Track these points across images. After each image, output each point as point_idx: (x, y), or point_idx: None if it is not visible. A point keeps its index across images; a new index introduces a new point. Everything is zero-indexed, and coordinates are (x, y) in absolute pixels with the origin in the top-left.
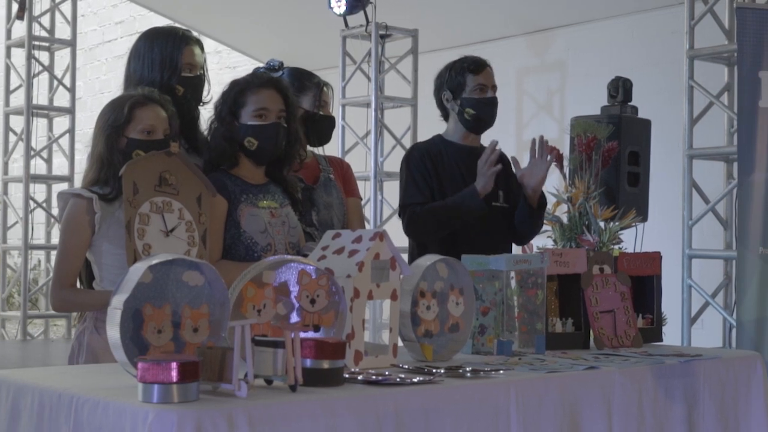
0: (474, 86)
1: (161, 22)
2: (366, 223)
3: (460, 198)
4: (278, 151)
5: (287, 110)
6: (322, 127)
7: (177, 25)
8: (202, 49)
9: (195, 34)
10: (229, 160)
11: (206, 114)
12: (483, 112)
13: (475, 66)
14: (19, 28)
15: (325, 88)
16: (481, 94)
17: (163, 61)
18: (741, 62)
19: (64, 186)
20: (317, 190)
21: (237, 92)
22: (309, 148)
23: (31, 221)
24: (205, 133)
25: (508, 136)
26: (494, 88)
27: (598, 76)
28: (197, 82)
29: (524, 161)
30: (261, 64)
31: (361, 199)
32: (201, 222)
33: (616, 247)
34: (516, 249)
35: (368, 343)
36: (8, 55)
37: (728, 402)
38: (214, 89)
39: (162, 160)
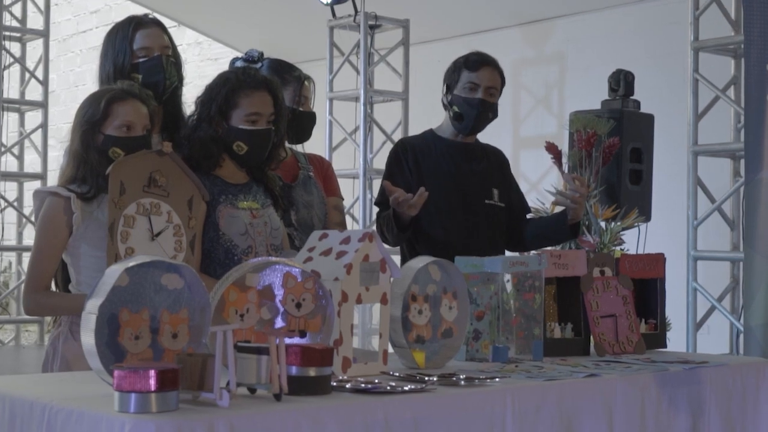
0: (465, 83)
1: (138, 10)
2: (354, 224)
3: (390, 217)
4: (265, 156)
5: (276, 113)
6: (301, 124)
7: (147, 13)
8: (162, 29)
9: (152, 14)
10: (211, 161)
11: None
12: (466, 112)
13: (472, 63)
14: None
15: (306, 82)
16: (470, 93)
17: (115, 53)
18: (748, 54)
19: (36, 184)
20: (296, 188)
21: (228, 91)
22: (287, 144)
23: (2, 221)
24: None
25: (505, 131)
26: (489, 90)
27: (599, 69)
28: (155, 65)
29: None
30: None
31: (343, 199)
32: (190, 226)
33: (618, 248)
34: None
35: (357, 350)
36: None
37: (735, 411)
38: (195, 82)
39: (153, 159)
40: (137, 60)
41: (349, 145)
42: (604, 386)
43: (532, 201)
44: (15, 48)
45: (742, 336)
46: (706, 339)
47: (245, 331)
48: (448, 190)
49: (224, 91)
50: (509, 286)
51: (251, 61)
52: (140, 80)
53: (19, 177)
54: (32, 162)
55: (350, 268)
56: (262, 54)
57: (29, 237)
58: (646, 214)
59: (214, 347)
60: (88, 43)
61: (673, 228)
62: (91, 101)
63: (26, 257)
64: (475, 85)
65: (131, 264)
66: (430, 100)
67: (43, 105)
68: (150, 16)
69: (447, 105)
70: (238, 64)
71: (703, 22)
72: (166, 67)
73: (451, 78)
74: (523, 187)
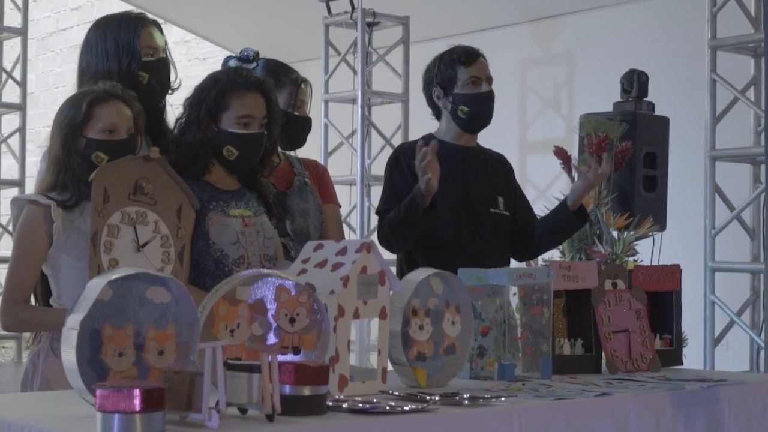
0: (466, 79)
1: (122, 8)
2: (351, 233)
3: (406, 206)
4: (257, 161)
5: (269, 116)
6: (296, 129)
7: (133, 9)
8: (161, 31)
9: (151, 16)
10: (200, 166)
11: (172, 102)
12: (478, 109)
13: (467, 57)
14: None
15: (303, 86)
16: (475, 88)
17: (119, 49)
18: None
19: (13, 191)
20: (291, 195)
21: (218, 93)
22: (280, 150)
23: None
24: (174, 130)
25: (511, 135)
26: (489, 80)
27: (611, 69)
28: (162, 67)
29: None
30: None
31: (340, 206)
32: (179, 237)
33: (631, 259)
34: (514, 263)
35: (354, 367)
36: None
37: None
38: (183, 83)
39: (139, 165)
40: (146, 59)
41: (345, 149)
42: (617, 406)
43: (540, 209)
44: None
45: (762, 352)
46: (725, 355)
47: (236, 348)
48: (452, 197)
49: (214, 92)
50: (515, 300)
51: (246, 60)
52: (147, 80)
53: None
54: (9, 168)
55: (347, 280)
56: (257, 54)
57: (6, 248)
58: (660, 223)
59: (203, 365)
60: (69, 42)
61: (690, 238)
62: (72, 103)
63: (3, 269)
64: (478, 79)
65: (114, 276)
66: None
67: (20, 107)
68: (150, 16)
69: (451, 106)
70: (232, 63)
71: (721, 18)
72: (170, 68)
73: (444, 77)
74: (531, 194)
